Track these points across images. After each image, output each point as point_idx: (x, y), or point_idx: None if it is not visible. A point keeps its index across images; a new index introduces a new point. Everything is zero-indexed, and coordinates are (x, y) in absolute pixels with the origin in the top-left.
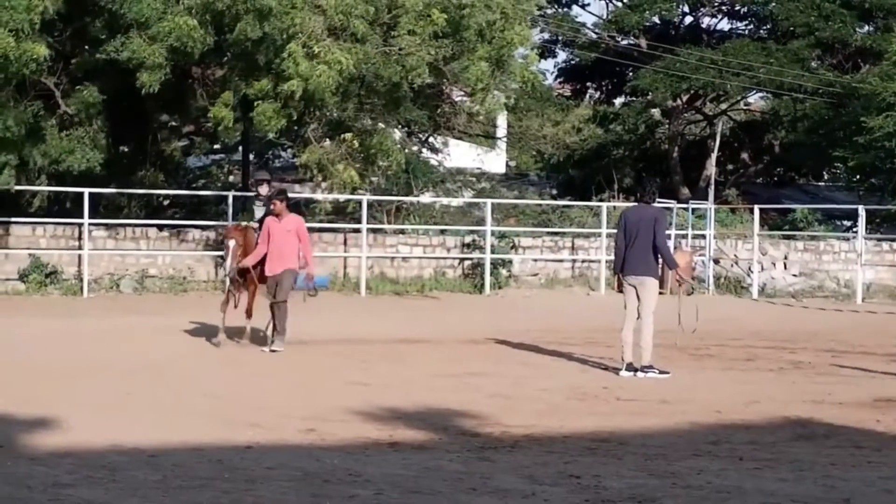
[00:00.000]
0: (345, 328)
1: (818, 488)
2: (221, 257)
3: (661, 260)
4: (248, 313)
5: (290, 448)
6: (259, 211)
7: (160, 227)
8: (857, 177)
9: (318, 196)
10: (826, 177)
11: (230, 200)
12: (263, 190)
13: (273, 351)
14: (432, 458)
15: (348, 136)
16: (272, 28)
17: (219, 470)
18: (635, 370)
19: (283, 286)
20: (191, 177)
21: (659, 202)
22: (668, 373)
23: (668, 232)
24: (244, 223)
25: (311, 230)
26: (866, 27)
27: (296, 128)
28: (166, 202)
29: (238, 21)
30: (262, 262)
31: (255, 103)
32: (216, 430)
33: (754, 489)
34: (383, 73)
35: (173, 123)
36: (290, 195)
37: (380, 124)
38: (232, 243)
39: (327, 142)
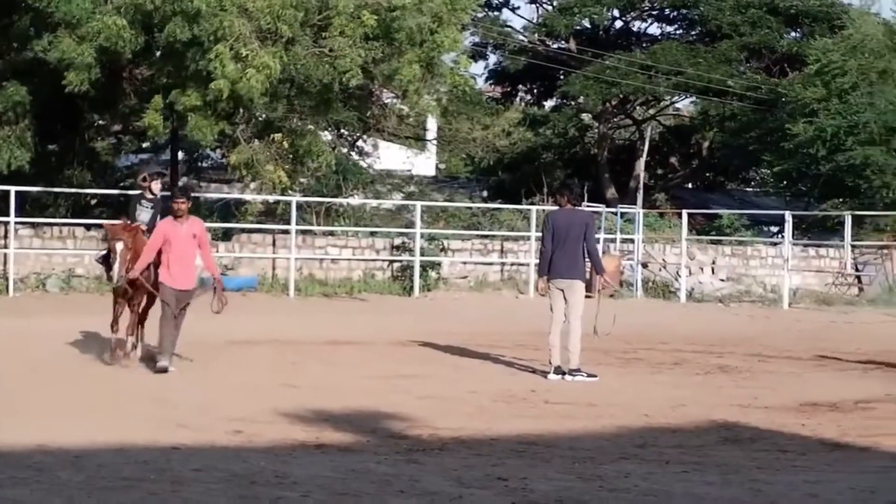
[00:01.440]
0: (273, 329)
1: (744, 492)
2: (103, 260)
3: (588, 264)
4: (133, 328)
5: (218, 449)
6: (145, 212)
7: (87, 227)
8: (784, 182)
9: (248, 196)
10: (754, 182)
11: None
12: (156, 187)
13: (160, 371)
14: (360, 460)
15: (278, 136)
16: (201, 30)
17: (145, 471)
18: (563, 373)
19: (181, 304)
20: (119, 176)
21: (587, 206)
22: (595, 376)
23: (596, 236)
24: (130, 221)
25: (240, 231)
26: (793, 33)
27: (225, 128)
28: (94, 201)
29: (167, 22)
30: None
31: (188, 116)
32: (143, 431)
33: (681, 492)
34: (314, 75)
35: (101, 122)
36: (193, 194)
37: (310, 125)
38: (120, 246)
39: (256, 142)
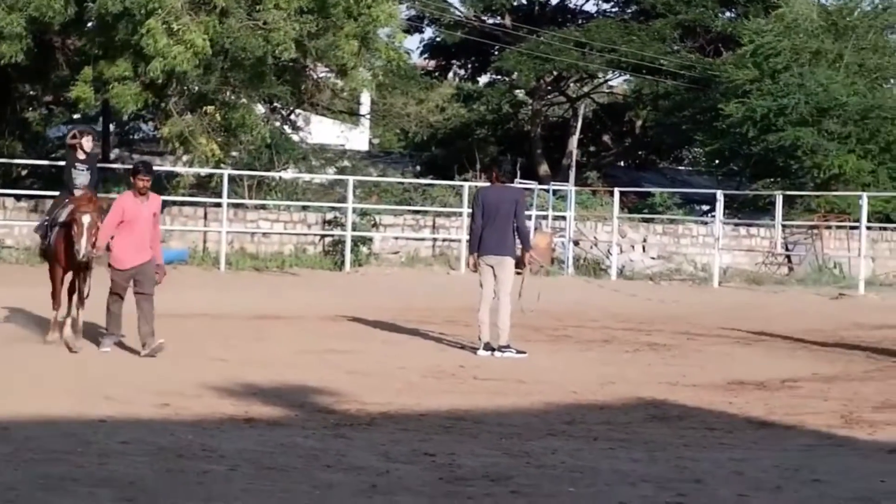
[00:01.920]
0: (203, 303)
1: (670, 469)
2: (43, 231)
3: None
4: (82, 301)
5: (145, 422)
6: (82, 175)
7: (17, 198)
8: (716, 162)
9: (180, 169)
10: (686, 161)
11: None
12: (87, 144)
13: (151, 355)
14: (288, 434)
15: (210, 109)
16: (132, 3)
17: (72, 444)
18: (492, 350)
19: (150, 276)
20: (49, 147)
21: (520, 183)
22: (524, 353)
23: (528, 213)
24: (68, 187)
25: (171, 204)
26: (728, 13)
27: (157, 100)
28: (24, 172)
29: None
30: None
31: (112, 85)
32: (70, 404)
33: (608, 469)
34: (247, 47)
35: (32, 93)
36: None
37: (243, 99)
38: (87, 219)
39: (189, 115)
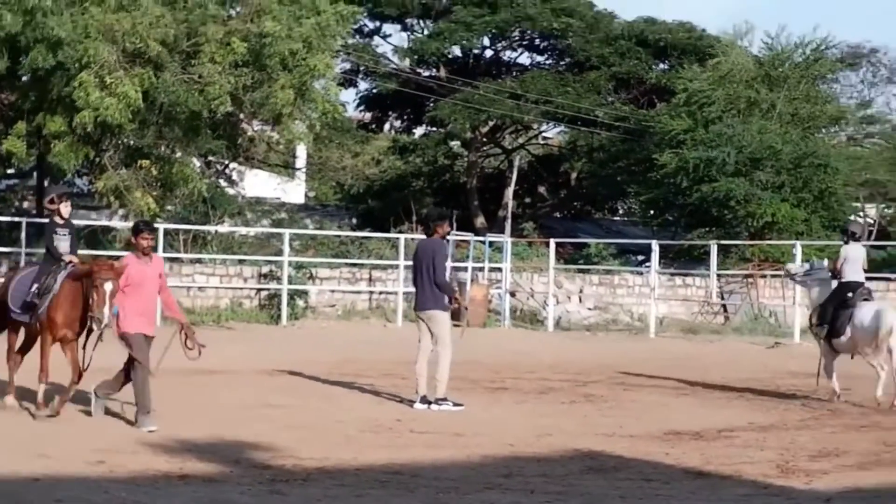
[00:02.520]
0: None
1: None
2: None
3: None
4: (80, 375)
5: (79, 480)
6: (63, 241)
7: None
8: (651, 212)
9: (115, 224)
10: (621, 211)
11: (24, 227)
12: (66, 210)
13: (151, 431)
14: (223, 491)
15: (146, 163)
16: (65, 57)
17: (6, 503)
18: (429, 403)
19: (148, 349)
20: None
21: (456, 234)
22: (461, 405)
23: (465, 265)
24: (52, 254)
25: (107, 258)
26: (661, 65)
27: (92, 154)
28: None
29: (30, 49)
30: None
31: (52, 142)
32: (3, 462)
33: None
34: (182, 101)
35: None
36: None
37: (178, 153)
38: (110, 286)
39: (124, 169)
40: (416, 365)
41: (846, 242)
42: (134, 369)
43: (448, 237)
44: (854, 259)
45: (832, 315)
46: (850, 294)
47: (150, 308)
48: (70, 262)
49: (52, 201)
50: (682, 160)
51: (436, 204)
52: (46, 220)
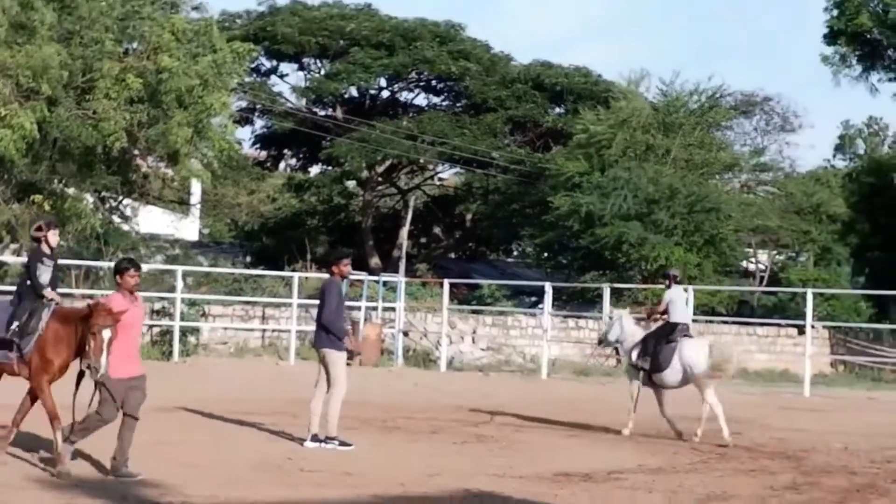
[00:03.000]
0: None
1: None
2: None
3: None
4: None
5: None
6: (46, 272)
7: None
8: (545, 254)
9: (6, 258)
10: (515, 253)
11: None
12: (54, 239)
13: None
14: None
15: (38, 198)
16: None
17: None
18: (321, 441)
19: (142, 395)
20: None
21: (351, 273)
22: (350, 445)
23: (359, 304)
24: (34, 285)
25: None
26: (557, 109)
27: None
28: None
29: None
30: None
31: None
32: None
33: None
34: (76, 137)
35: None
36: None
37: (71, 188)
38: (107, 334)
39: (17, 204)
40: (311, 402)
41: (668, 287)
42: (123, 421)
43: (347, 276)
44: (677, 300)
45: (654, 350)
46: (673, 332)
47: (136, 351)
48: (52, 299)
49: (39, 228)
50: (575, 204)
51: (331, 243)
52: (30, 251)
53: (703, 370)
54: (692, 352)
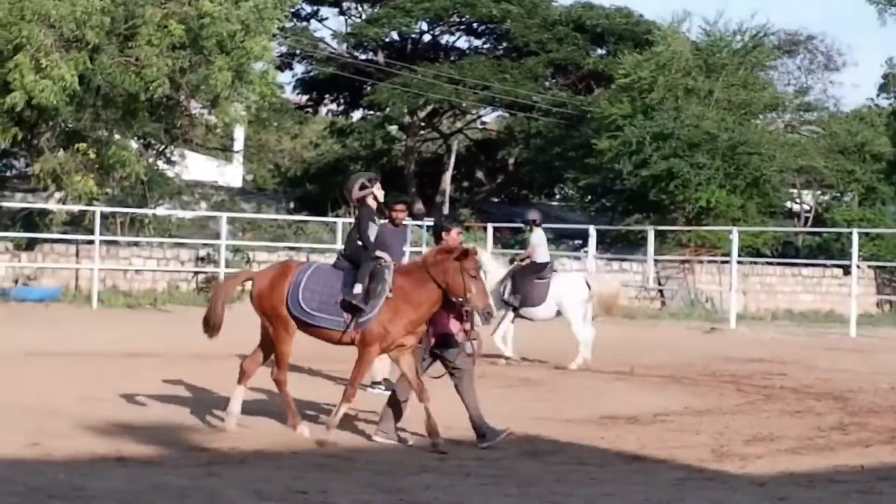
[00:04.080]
0: (74, 341)
1: None
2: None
3: None
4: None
5: (15, 462)
6: (373, 231)
7: None
8: (589, 197)
9: (51, 206)
10: (559, 196)
11: None
12: (381, 194)
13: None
14: (159, 473)
15: (83, 146)
16: None
17: None
18: (374, 386)
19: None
20: None
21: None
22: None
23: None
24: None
25: (43, 241)
26: (599, 51)
27: (28, 137)
28: None
29: None
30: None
31: None
32: None
33: None
34: (120, 84)
35: None
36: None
37: (116, 135)
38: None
39: (62, 152)
40: None
41: (531, 230)
42: (458, 380)
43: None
44: (541, 243)
45: (526, 287)
46: (542, 270)
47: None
48: (383, 259)
49: (363, 186)
50: (622, 142)
51: None
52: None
53: (577, 304)
54: (566, 287)
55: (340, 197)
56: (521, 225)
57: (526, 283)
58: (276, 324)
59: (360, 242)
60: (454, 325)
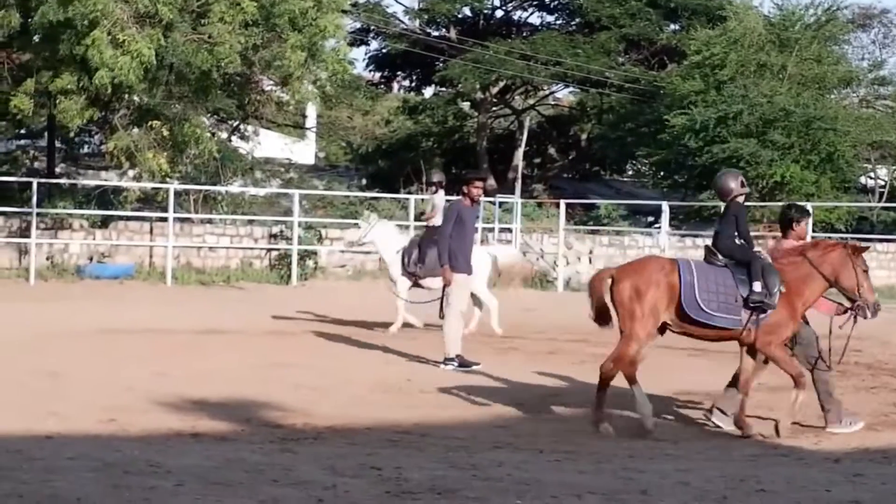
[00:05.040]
0: (149, 318)
1: (617, 480)
2: None
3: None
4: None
5: (91, 438)
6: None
7: None
8: (661, 173)
9: (125, 184)
10: (631, 172)
11: (35, 187)
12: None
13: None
14: (234, 449)
15: (157, 123)
16: (75, 13)
17: (17, 460)
18: (452, 363)
19: None
20: None
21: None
22: (477, 363)
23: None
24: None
25: (117, 219)
26: (672, 26)
27: (103, 114)
28: None
29: (42, 4)
30: None
31: (58, 99)
32: (15, 420)
33: (553, 481)
34: (193, 61)
35: None
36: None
37: (189, 112)
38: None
39: (135, 129)
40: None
41: (435, 193)
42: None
43: (476, 200)
44: (440, 206)
45: (433, 257)
46: None
47: None
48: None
49: (742, 184)
50: (692, 119)
51: (445, 165)
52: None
53: (483, 273)
54: (483, 253)
55: (413, 173)
56: (594, 202)
57: (431, 252)
58: (641, 322)
59: (737, 239)
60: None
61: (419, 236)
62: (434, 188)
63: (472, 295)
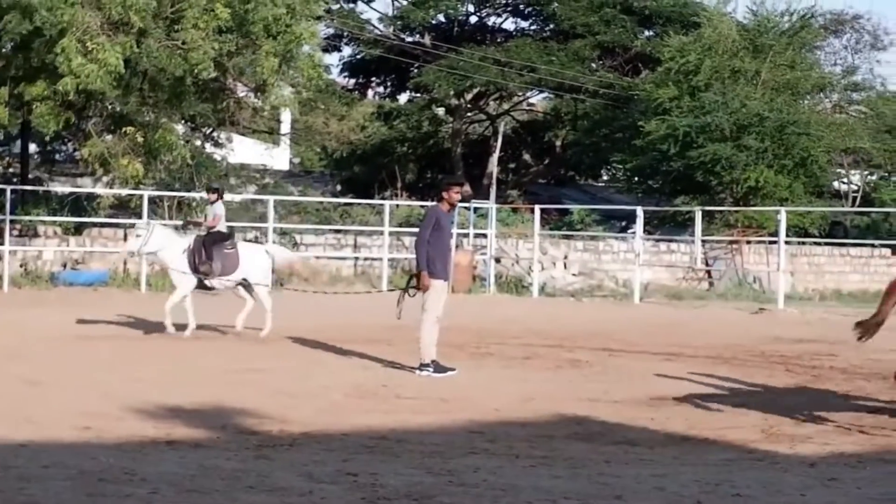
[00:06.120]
0: (123, 324)
1: (592, 485)
2: None
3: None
4: None
5: (66, 446)
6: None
7: None
8: (636, 179)
9: (99, 190)
10: (605, 178)
11: (8, 194)
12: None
13: None
14: (210, 456)
15: (131, 129)
16: (42, 22)
17: None
18: (426, 368)
19: None
20: None
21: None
22: (453, 370)
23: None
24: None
25: (91, 225)
26: (646, 33)
27: (76, 121)
28: None
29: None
30: None
31: (34, 105)
32: None
33: (529, 486)
34: (166, 67)
35: None
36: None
37: (163, 118)
38: None
39: (109, 136)
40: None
41: (216, 201)
42: None
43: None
44: (221, 214)
45: (221, 257)
46: (226, 239)
47: None
48: None
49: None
50: (669, 127)
51: (420, 170)
52: None
53: (264, 273)
54: (254, 257)
55: (388, 179)
56: (569, 207)
57: (218, 252)
58: None
59: None
60: None
61: (201, 237)
62: (217, 196)
63: (248, 289)
